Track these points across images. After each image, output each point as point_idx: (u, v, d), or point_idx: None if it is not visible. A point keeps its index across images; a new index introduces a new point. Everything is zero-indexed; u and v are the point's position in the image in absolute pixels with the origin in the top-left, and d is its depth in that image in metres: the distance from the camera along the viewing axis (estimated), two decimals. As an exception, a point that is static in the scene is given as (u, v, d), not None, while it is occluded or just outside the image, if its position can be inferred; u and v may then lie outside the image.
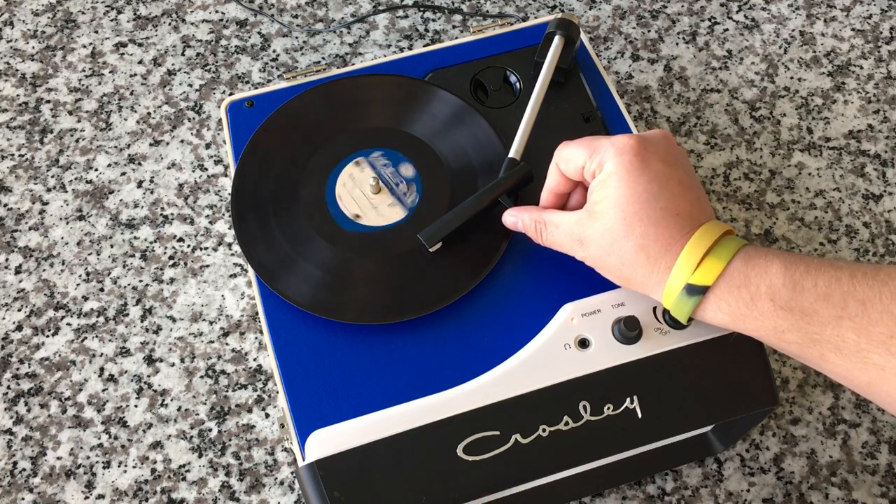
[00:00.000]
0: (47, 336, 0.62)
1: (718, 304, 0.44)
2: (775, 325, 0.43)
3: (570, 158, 0.48)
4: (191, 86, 0.72)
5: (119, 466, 0.58)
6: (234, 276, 0.64)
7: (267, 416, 0.59)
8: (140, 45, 0.75)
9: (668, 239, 0.45)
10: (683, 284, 0.44)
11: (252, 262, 0.53)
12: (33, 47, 0.75)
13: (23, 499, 0.57)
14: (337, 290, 0.52)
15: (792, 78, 0.72)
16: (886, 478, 0.57)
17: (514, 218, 0.52)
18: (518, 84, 0.60)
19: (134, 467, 0.58)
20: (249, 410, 0.59)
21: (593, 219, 0.47)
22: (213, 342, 0.62)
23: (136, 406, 0.60)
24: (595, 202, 0.47)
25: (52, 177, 0.68)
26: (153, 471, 0.58)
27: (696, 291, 0.44)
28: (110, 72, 0.73)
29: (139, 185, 0.68)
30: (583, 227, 0.47)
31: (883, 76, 0.72)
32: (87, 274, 0.64)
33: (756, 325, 0.44)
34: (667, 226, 0.45)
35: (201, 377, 0.60)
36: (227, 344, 0.62)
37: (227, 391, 0.60)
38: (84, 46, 0.75)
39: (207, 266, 0.65)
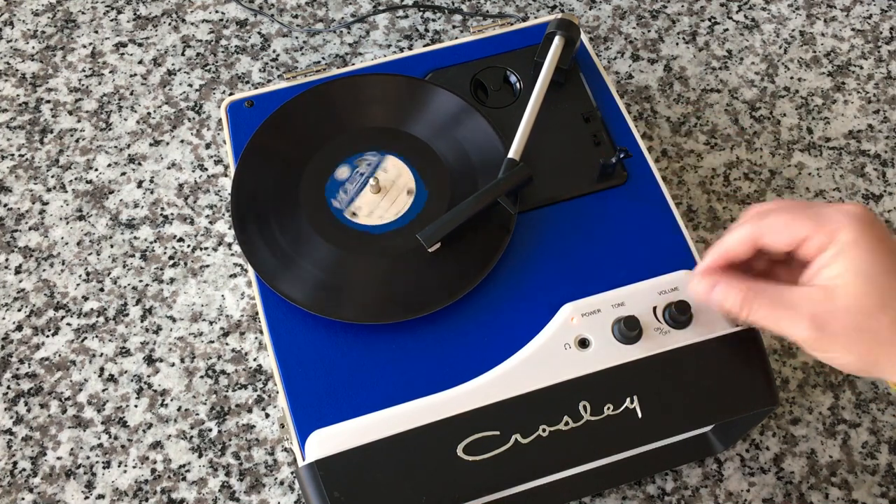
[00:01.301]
0: (47, 336, 0.62)
1: None
2: None
3: (783, 230, 0.43)
4: (191, 86, 0.72)
5: (119, 466, 0.58)
6: (234, 276, 0.64)
7: (267, 416, 0.59)
8: (140, 45, 0.75)
9: None
10: None
11: (252, 262, 0.53)
12: (33, 47, 0.75)
13: (23, 499, 0.57)
14: (337, 290, 0.52)
15: (792, 78, 0.72)
16: (886, 478, 0.57)
17: (710, 285, 0.45)
18: (518, 84, 0.60)
19: (134, 467, 0.58)
20: (249, 410, 0.59)
21: (833, 295, 0.41)
22: (213, 342, 0.62)
23: (136, 406, 0.60)
24: (832, 277, 0.41)
25: (52, 177, 0.68)
26: (153, 471, 0.58)
27: None
28: (110, 72, 0.73)
29: (139, 185, 0.68)
30: (821, 306, 0.41)
31: (883, 76, 0.72)
32: (87, 274, 0.64)
33: None
34: None
35: (201, 377, 0.60)
36: (227, 344, 0.62)
37: (227, 391, 0.60)
38: (84, 46, 0.75)
39: (207, 266, 0.65)
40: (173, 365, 0.61)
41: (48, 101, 0.72)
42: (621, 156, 0.54)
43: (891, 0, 0.76)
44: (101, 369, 0.61)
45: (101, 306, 0.63)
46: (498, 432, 0.46)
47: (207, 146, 0.70)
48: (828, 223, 0.42)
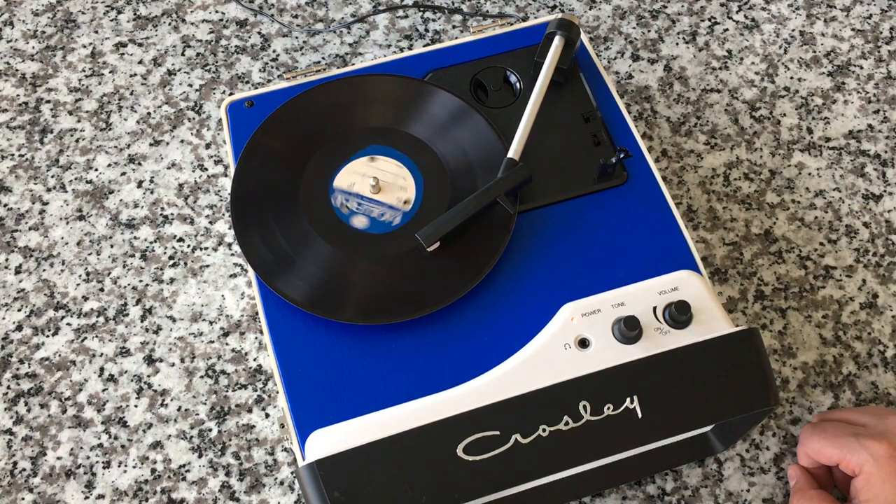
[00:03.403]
0: (47, 336, 0.62)
1: None
2: None
3: (819, 453, 0.53)
4: (191, 86, 0.72)
5: (119, 466, 0.58)
6: (234, 276, 0.64)
7: (267, 416, 0.59)
8: (140, 45, 0.75)
9: None
10: None
11: (252, 262, 0.53)
12: (33, 47, 0.75)
13: (23, 499, 0.57)
14: (337, 290, 0.52)
15: (792, 78, 0.72)
16: (886, 478, 0.57)
17: (791, 477, 0.56)
18: (518, 84, 0.60)
19: (134, 467, 0.58)
20: (249, 410, 0.59)
21: None
22: (213, 342, 0.62)
23: (136, 406, 0.60)
24: (864, 501, 0.50)
25: (52, 177, 0.68)
26: (153, 471, 0.58)
27: None
28: (110, 72, 0.73)
29: (139, 185, 0.68)
30: None
31: (883, 76, 0.72)
32: (87, 274, 0.64)
33: None
34: None
35: (201, 377, 0.60)
36: (227, 344, 0.62)
37: (227, 391, 0.60)
38: (84, 46, 0.75)
39: (207, 266, 0.65)
40: (173, 365, 0.61)
41: (48, 101, 0.72)
42: (621, 156, 0.54)
43: (891, 0, 0.76)
44: (101, 369, 0.61)
45: (101, 306, 0.63)
46: (498, 432, 0.46)
47: (207, 146, 0.70)
48: (853, 456, 0.50)
